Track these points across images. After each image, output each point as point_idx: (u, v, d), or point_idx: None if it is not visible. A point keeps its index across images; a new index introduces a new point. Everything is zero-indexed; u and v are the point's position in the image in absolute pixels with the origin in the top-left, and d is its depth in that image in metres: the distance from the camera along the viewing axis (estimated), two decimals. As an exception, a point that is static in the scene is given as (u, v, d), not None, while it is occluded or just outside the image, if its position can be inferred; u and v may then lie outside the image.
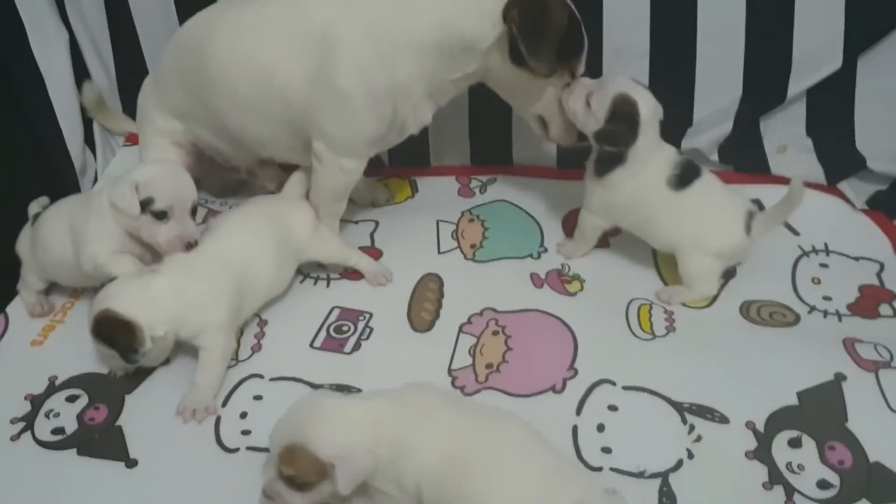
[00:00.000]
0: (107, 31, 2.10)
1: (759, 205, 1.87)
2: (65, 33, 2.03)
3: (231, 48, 1.63)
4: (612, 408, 1.44)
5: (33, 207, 1.77)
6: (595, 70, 1.78)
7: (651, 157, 1.61)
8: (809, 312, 1.64)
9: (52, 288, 1.75)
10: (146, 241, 1.55)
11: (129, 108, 2.13)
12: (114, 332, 1.43)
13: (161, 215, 1.51)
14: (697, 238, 1.62)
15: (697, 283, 1.66)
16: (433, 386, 1.34)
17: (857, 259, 1.78)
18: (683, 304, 1.67)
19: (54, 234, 1.62)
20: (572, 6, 1.56)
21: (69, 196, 1.75)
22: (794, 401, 1.43)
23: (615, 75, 1.64)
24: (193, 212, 1.56)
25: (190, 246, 1.54)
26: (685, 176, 1.62)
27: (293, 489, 1.20)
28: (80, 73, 2.07)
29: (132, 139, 2.17)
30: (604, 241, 1.81)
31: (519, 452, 1.19)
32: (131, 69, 2.10)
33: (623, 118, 1.57)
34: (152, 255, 1.60)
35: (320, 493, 1.20)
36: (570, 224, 1.80)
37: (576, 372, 1.51)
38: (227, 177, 1.99)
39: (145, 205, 1.49)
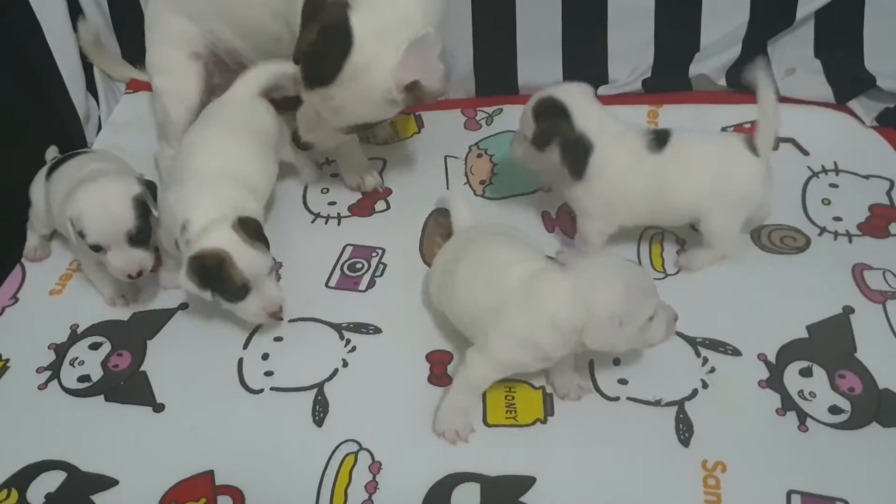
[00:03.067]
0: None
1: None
2: None
3: None
4: (627, 343, 1.46)
5: (50, 153, 1.78)
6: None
7: (615, 132, 1.51)
8: (820, 234, 1.65)
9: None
10: None
11: (127, 51, 2.11)
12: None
13: (96, 248, 1.47)
14: (714, 188, 1.50)
15: (718, 242, 1.55)
16: None
17: (866, 177, 1.78)
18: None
19: (57, 201, 1.59)
20: None
21: (87, 155, 1.71)
22: (803, 334, 1.45)
23: None
24: (133, 239, 1.47)
25: (132, 277, 1.49)
26: (660, 136, 1.52)
27: None
28: (75, 16, 2.03)
29: (133, 85, 2.15)
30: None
31: None
32: (127, 8, 2.06)
33: (544, 112, 1.49)
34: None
35: None
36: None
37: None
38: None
39: (82, 236, 1.46)
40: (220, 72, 1.87)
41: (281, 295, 1.48)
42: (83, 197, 1.46)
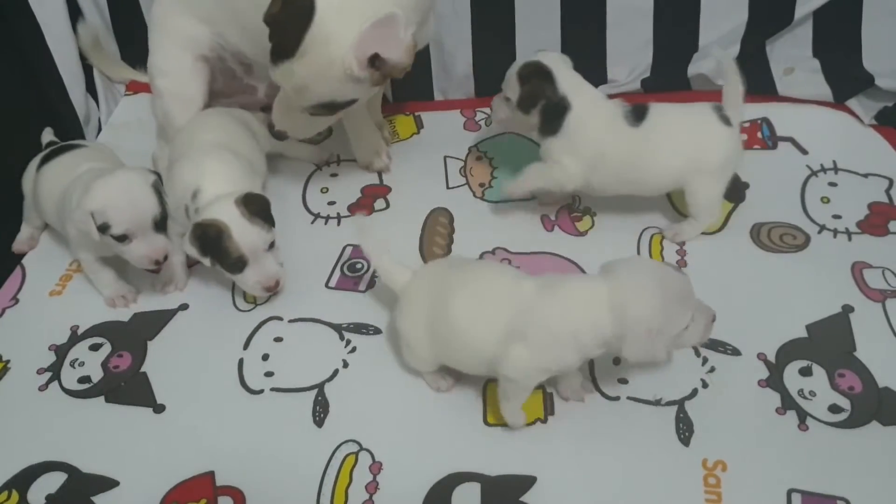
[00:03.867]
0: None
1: (766, 122, 1.88)
2: None
3: None
4: (627, 342, 1.46)
5: (46, 136, 1.79)
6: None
7: (592, 98, 1.58)
8: (819, 232, 1.65)
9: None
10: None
11: (126, 53, 2.11)
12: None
13: (122, 238, 1.48)
14: (689, 161, 1.57)
15: (703, 212, 1.64)
16: None
17: (865, 176, 1.78)
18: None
19: (50, 198, 1.61)
20: None
21: (79, 151, 1.71)
22: (803, 333, 1.46)
23: None
24: (157, 225, 1.51)
25: (159, 263, 1.53)
26: (638, 110, 1.59)
27: None
28: (75, 18, 2.04)
29: (133, 87, 2.15)
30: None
31: None
32: (127, 10, 2.07)
33: (530, 75, 1.56)
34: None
35: None
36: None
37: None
38: (244, 98, 1.96)
39: (104, 229, 1.46)
40: (224, 77, 1.88)
41: (279, 270, 1.55)
42: (104, 190, 1.46)
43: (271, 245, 1.53)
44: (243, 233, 1.48)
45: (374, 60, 1.42)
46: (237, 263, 1.50)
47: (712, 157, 1.58)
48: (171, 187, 1.58)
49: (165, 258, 1.53)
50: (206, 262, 1.51)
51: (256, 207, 1.50)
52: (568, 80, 1.57)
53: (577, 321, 1.22)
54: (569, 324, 1.22)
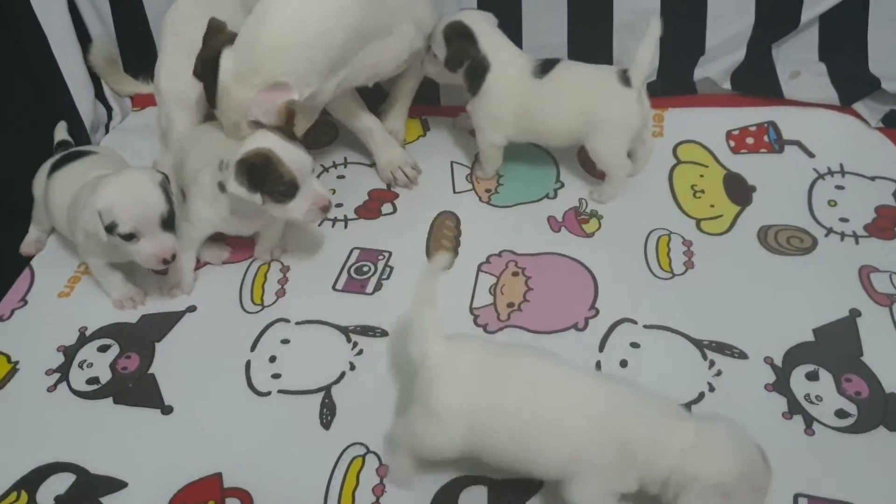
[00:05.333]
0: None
1: (772, 125, 1.88)
2: None
3: None
4: (635, 345, 1.47)
5: (59, 130, 1.81)
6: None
7: (510, 55, 1.72)
8: (826, 235, 1.66)
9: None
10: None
11: (131, 65, 2.13)
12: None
13: (129, 237, 1.46)
14: (583, 114, 1.67)
15: (610, 167, 1.74)
16: None
17: (872, 179, 1.78)
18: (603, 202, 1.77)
19: (60, 207, 1.61)
20: None
21: (90, 158, 1.71)
22: (810, 337, 1.46)
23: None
24: (165, 223, 1.48)
25: (167, 262, 1.50)
26: (547, 64, 1.71)
27: None
28: (80, 27, 2.05)
29: (139, 102, 2.17)
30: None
31: None
32: (132, 20, 2.08)
33: (454, 36, 1.69)
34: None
35: None
36: (584, 154, 1.78)
37: (597, 311, 1.53)
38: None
39: (111, 229, 1.44)
40: None
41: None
42: (111, 189, 1.45)
43: (313, 168, 1.52)
44: (290, 155, 1.46)
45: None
46: (290, 189, 1.47)
47: (605, 114, 1.66)
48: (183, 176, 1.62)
49: (174, 257, 1.51)
50: (257, 198, 1.46)
51: (289, 133, 1.50)
52: (489, 39, 1.70)
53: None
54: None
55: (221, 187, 1.51)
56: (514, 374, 1.17)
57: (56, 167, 1.67)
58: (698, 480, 1.07)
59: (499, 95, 1.71)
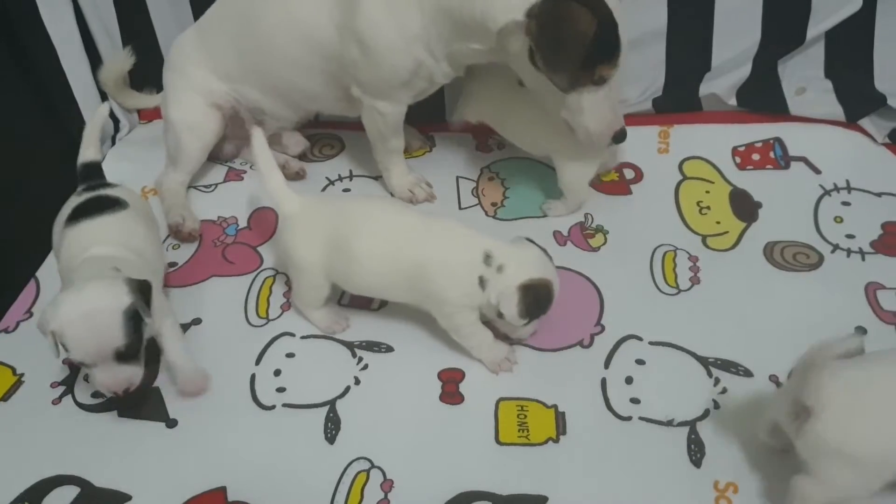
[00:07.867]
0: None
1: (778, 142, 1.88)
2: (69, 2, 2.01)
3: (277, 8, 1.69)
4: (640, 362, 1.46)
5: (103, 109, 1.77)
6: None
7: None
8: (833, 252, 1.65)
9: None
10: None
11: (136, 80, 2.13)
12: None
13: (82, 364, 1.35)
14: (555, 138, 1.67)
15: (569, 193, 1.76)
16: None
17: (879, 195, 1.77)
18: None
19: (65, 263, 1.51)
20: (606, 5, 1.42)
21: (104, 216, 1.55)
22: (816, 356, 1.45)
23: None
24: (121, 356, 1.33)
25: (126, 392, 1.36)
26: None
27: None
28: (88, 39, 2.07)
29: (146, 115, 2.18)
30: (625, 188, 1.83)
31: None
32: (137, 36, 2.09)
33: None
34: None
35: None
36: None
37: (603, 328, 1.53)
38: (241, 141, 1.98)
39: (65, 349, 1.32)
40: (232, 124, 1.92)
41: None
42: (69, 311, 1.31)
43: None
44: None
45: None
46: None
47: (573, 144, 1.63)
48: None
49: (128, 390, 1.36)
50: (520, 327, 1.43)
51: None
52: None
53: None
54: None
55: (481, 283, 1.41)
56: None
57: (75, 216, 1.54)
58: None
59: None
